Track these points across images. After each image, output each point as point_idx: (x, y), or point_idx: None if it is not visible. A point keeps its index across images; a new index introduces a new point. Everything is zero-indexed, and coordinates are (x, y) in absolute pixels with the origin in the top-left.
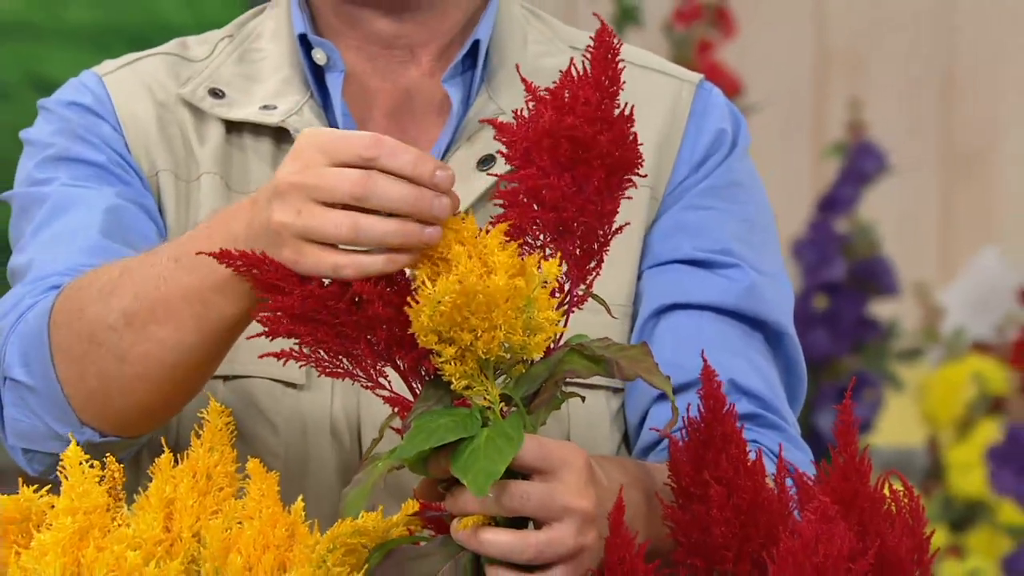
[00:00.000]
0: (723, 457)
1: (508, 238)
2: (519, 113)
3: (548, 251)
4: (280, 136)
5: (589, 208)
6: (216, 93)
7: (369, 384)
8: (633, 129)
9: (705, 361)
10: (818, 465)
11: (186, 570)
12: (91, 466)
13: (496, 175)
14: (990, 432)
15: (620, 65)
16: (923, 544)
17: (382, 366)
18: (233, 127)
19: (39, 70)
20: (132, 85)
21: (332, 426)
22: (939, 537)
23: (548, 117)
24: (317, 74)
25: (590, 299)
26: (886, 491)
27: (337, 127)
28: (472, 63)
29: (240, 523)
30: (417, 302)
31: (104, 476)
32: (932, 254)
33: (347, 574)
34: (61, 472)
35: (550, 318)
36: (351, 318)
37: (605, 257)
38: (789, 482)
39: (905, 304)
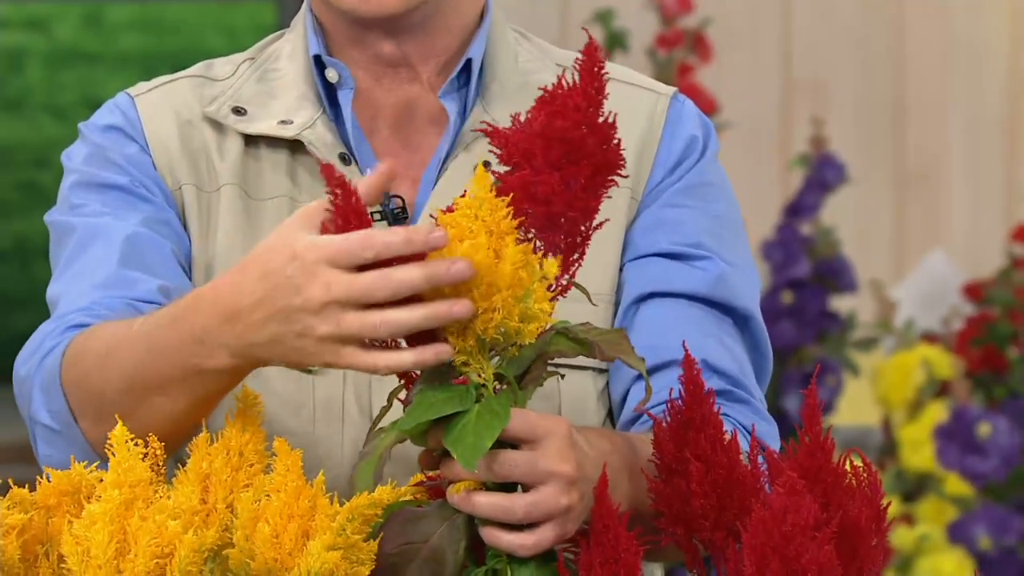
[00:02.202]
0: (702, 436)
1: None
2: (517, 117)
3: (539, 244)
4: (295, 148)
5: (576, 204)
6: (238, 111)
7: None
8: (616, 134)
9: (686, 350)
10: (785, 443)
11: (220, 538)
12: (135, 444)
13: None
14: (937, 413)
15: (605, 75)
16: (880, 514)
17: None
18: (251, 140)
19: (93, 92)
20: (160, 106)
21: (344, 409)
22: (892, 507)
23: (540, 121)
24: (329, 91)
25: (576, 289)
26: (847, 467)
27: (348, 139)
28: (467, 79)
29: (268, 495)
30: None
31: (147, 453)
32: (886, 255)
33: (364, 541)
34: (109, 449)
35: (544, 309)
36: None
37: (586, 249)
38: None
39: (862, 299)
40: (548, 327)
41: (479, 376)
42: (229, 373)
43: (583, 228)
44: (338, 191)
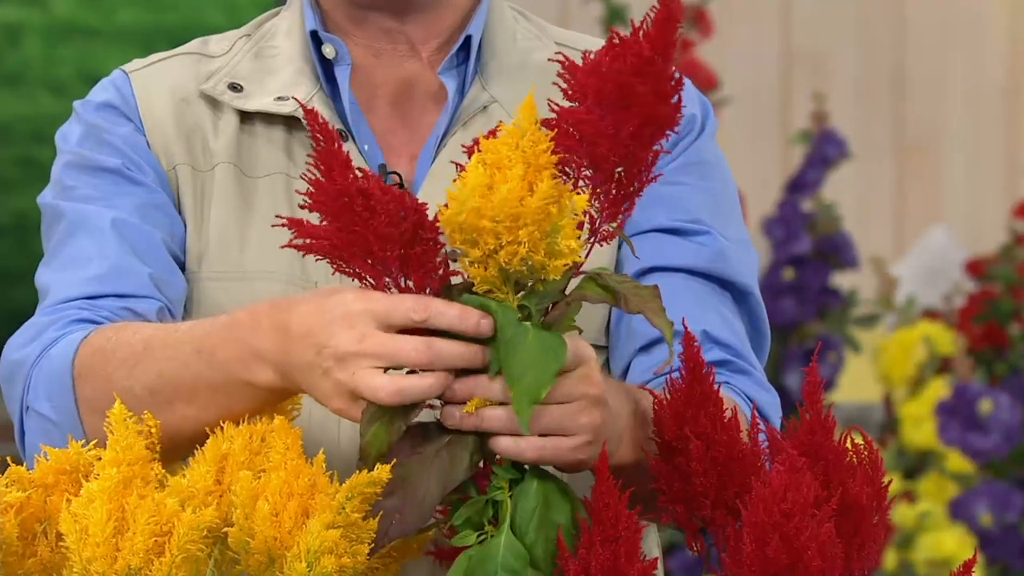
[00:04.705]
0: (702, 414)
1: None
2: (587, 54)
3: (583, 184)
4: (292, 124)
5: (620, 151)
6: (235, 87)
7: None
8: (679, 91)
9: (686, 327)
10: (786, 420)
11: (223, 516)
12: (134, 422)
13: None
14: (939, 389)
15: (678, 32)
16: (881, 491)
17: (388, 282)
18: (247, 117)
19: (91, 67)
20: (156, 84)
21: None
22: (893, 484)
23: (600, 60)
24: (327, 67)
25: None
26: (848, 444)
27: (345, 116)
28: (466, 56)
29: (263, 471)
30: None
31: (143, 431)
32: (887, 231)
33: (363, 519)
34: (107, 428)
35: (571, 247)
36: (365, 228)
37: (635, 202)
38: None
39: (863, 275)
40: (576, 269)
41: (510, 304)
42: (269, 392)
43: (635, 184)
44: (320, 137)
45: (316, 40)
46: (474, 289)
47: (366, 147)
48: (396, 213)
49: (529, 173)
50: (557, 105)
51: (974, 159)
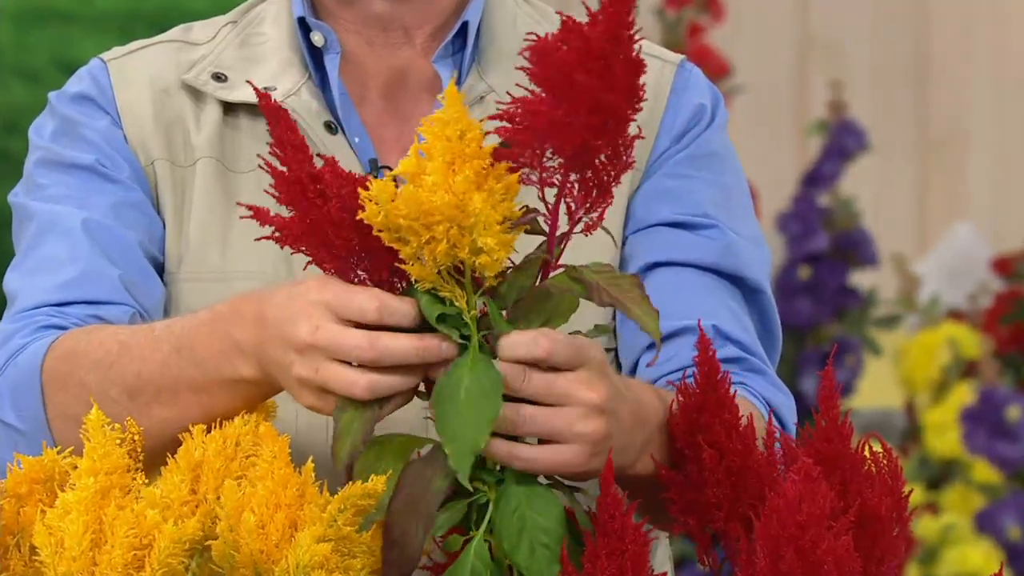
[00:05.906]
0: (716, 422)
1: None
2: (547, 36)
3: (550, 176)
4: None
5: (575, 139)
6: (219, 77)
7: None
8: (640, 73)
9: (702, 331)
10: (801, 427)
11: (204, 528)
12: (112, 429)
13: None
14: (964, 395)
15: (631, 14)
16: (902, 503)
17: (364, 279)
18: (230, 109)
19: (67, 54)
20: (135, 74)
21: None
22: (916, 495)
23: (554, 48)
24: (315, 56)
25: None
26: (867, 452)
27: (334, 106)
28: (463, 44)
29: (243, 477)
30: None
31: (124, 438)
32: (908, 227)
33: (356, 532)
34: (84, 434)
35: (488, 244)
36: (319, 215)
37: (612, 191)
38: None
39: (884, 274)
40: (549, 265)
41: (456, 301)
42: (252, 386)
43: (610, 172)
44: (273, 120)
45: (305, 27)
46: (417, 286)
47: (356, 140)
48: (349, 198)
49: (457, 164)
50: (527, 90)
51: (1000, 152)
